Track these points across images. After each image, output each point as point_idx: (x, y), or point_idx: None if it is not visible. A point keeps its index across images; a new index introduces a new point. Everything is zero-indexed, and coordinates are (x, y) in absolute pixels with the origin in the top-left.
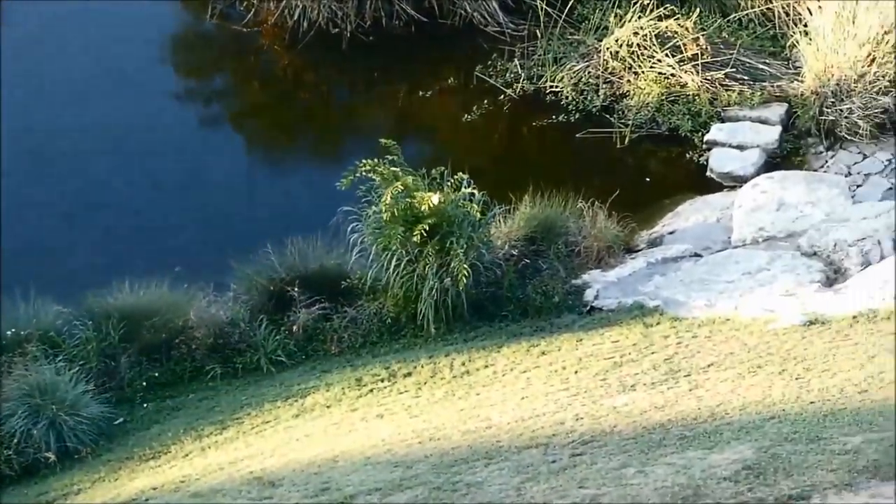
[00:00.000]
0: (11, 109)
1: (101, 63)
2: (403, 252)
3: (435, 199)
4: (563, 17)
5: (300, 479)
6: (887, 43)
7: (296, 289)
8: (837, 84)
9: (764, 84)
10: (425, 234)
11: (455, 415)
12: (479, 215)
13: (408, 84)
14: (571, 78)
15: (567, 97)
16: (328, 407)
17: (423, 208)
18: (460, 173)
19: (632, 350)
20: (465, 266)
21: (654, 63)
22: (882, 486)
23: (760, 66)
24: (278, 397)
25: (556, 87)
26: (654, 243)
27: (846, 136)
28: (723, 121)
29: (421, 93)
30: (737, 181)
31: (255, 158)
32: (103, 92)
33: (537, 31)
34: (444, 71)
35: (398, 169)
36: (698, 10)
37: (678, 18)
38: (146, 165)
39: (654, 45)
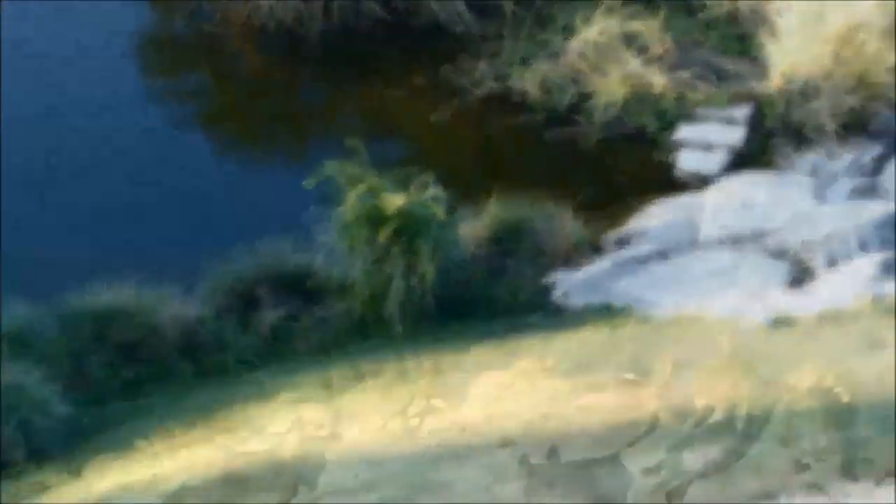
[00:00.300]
0: None
1: (69, 62)
2: (370, 252)
3: (399, 200)
4: (531, 17)
5: (270, 479)
6: (854, 42)
7: (265, 289)
8: (804, 83)
9: (731, 84)
10: (391, 235)
11: (424, 414)
12: (443, 216)
13: (375, 84)
14: (539, 78)
15: (534, 97)
16: (297, 406)
17: (387, 209)
18: (426, 174)
19: (599, 350)
20: (431, 266)
21: (620, 63)
22: (850, 486)
23: (727, 65)
24: (247, 397)
25: (524, 87)
26: (621, 243)
27: (813, 135)
28: (690, 120)
29: (389, 93)
30: (704, 181)
31: (224, 158)
32: (70, 90)
33: (504, 31)
34: (412, 71)
35: (363, 169)
36: (664, 10)
37: (645, 19)
38: (116, 165)
39: (620, 45)
